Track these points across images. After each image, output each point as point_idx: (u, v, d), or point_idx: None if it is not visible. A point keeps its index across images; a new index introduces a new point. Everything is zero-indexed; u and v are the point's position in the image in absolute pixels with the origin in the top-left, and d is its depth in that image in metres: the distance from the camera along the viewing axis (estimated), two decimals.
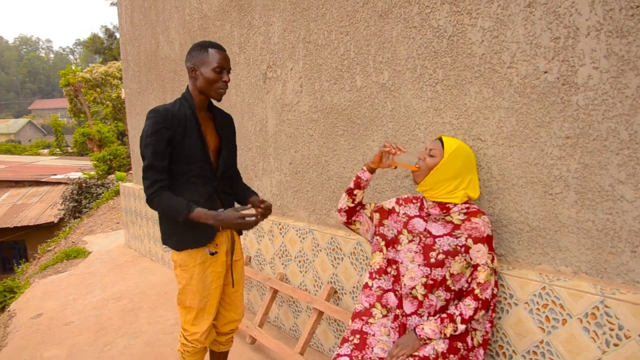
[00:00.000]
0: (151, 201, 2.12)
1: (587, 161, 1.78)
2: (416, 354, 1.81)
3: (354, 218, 2.27)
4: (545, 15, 1.83)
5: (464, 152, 2.02)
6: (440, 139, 2.04)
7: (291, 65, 3.28)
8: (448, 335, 1.84)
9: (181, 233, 2.22)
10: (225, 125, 2.40)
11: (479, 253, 1.88)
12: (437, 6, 2.23)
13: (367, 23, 2.63)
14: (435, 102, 2.32)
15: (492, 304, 1.91)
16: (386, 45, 2.53)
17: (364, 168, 2.18)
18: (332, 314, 2.85)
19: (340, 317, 2.78)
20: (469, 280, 1.92)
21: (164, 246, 2.26)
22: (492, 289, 1.89)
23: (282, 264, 3.51)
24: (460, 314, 1.84)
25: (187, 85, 2.26)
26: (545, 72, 1.86)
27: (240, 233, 2.47)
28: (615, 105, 1.68)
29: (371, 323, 2.05)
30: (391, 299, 2.07)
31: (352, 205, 2.23)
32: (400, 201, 2.19)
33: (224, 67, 2.17)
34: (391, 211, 2.19)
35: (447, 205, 1.99)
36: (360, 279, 2.79)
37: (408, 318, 1.96)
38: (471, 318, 1.84)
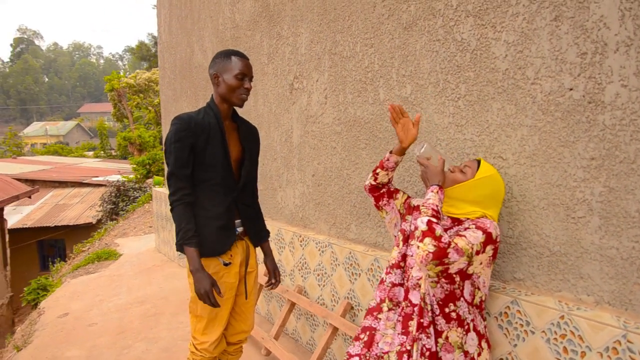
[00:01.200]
0: (172, 209, 2.16)
1: (613, 184, 1.67)
2: None
3: (381, 204, 2.20)
4: (572, 30, 1.74)
5: (495, 184, 1.91)
6: (479, 161, 1.96)
7: (317, 76, 3.26)
8: (428, 202, 1.82)
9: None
10: (249, 136, 2.40)
11: (474, 235, 1.75)
12: (462, 19, 2.17)
13: (391, 35, 2.58)
14: (457, 118, 2.24)
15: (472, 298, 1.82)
16: (410, 58, 2.48)
17: (391, 150, 2.11)
18: (346, 330, 2.79)
19: (355, 334, 2.71)
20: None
21: (179, 253, 2.26)
22: (460, 268, 1.74)
23: (302, 276, 3.47)
24: (436, 224, 1.73)
25: (212, 95, 2.27)
26: (571, 89, 1.76)
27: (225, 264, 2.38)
28: None
29: (380, 318, 2.01)
30: (399, 293, 2.00)
31: (374, 183, 2.18)
32: None
33: (245, 74, 2.18)
34: (416, 208, 2.13)
35: (460, 219, 1.91)
36: None
37: (415, 308, 1.88)
38: (431, 228, 1.70)
